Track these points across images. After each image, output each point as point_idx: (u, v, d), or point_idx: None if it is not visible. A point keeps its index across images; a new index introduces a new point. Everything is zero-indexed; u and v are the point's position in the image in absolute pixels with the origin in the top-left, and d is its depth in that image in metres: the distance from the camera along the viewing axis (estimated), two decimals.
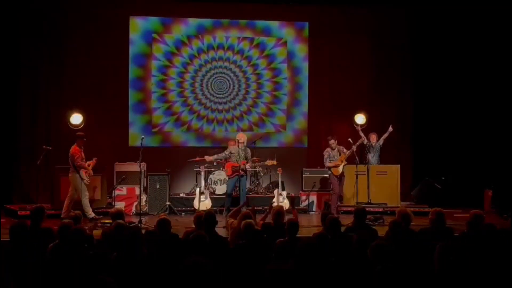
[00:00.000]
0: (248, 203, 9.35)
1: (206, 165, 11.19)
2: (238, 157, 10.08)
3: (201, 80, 12.39)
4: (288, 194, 10.71)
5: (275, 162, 10.53)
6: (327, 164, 10.40)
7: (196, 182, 11.24)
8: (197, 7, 12.14)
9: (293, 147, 12.66)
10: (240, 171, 9.97)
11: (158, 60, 12.22)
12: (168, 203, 10.72)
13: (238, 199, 9.99)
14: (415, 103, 12.60)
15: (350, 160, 10.55)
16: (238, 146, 10.11)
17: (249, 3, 12.23)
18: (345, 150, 10.41)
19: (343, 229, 5.97)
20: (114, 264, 4.48)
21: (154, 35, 12.21)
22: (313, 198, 11.22)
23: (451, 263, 4.21)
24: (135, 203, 10.57)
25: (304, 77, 12.62)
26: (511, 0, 10.38)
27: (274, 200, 10.45)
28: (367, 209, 7.23)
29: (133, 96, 12.12)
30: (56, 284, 4.43)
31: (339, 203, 10.64)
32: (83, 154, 9.42)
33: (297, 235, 5.46)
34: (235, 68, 12.48)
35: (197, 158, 11.26)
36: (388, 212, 10.27)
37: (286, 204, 9.88)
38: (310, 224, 9.21)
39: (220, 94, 12.46)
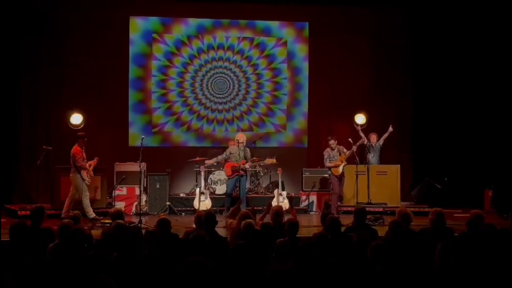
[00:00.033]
0: (241, 203, 9.41)
1: (206, 165, 11.19)
2: (238, 157, 10.07)
3: (201, 80, 12.39)
4: (288, 194, 10.72)
5: (274, 161, 10.52)
6: (327, 164, 10.40)
7: (196, 182, 11.24)
8: (197, 7, 12.14)
9: (293, 147, 12.67)
10: (240, 171, 9.97)
11: (158, 60, 12.22)
12: (168, 203, 10.72)
13: (238, 199, 10.00)
14: (415, 103, 12.59)
15: (350, 160, 10.55)
16: (238, 146, 10.10)
17: (249, 3, 12.23)
18: (345, 150, 10.40)
19: (343, 229, 5.97)
20: (114, 264, 4.48)
21: (154, 35, 12.21)
22: (313, 198, 11.23)
23: (451, 263, 4.21)
24: (135, 203, 10.57)
25: (304, 77, 12.62)
26: (511, 0, 10.38)
27: (274, 200, 10.45)
28: (367, 209, 7.23)
29: (133, 96, 12.12)
30: (56, 284, 4.43)
31: (339, 203, 10.64)
32: (84, 155, 9.41)
33: (297, 235, 5.46)
34: (235, 68, 12.48)
35: (197, 158, 11.27)
36: (388, 212, 10.27)
37: (286, 204, 9.88)
38: (310, 224, 9.21)
39: (220, 94, 12.47)
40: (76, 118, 11.17)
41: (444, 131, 12.15)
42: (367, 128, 11.64)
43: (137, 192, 10.47)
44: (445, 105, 12.18)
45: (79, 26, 11.59)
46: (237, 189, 10.20)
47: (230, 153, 10.24)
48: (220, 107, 12.47)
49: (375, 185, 10.81)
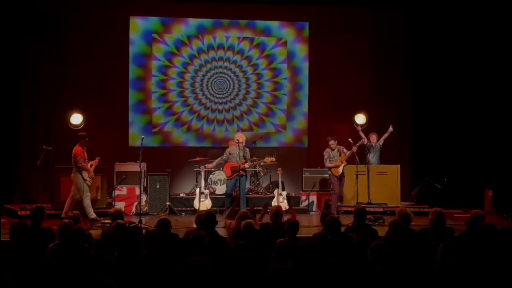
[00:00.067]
0: (238, 203, 9.40)
1: (206, 165, 11.20)
2: (237, 157, 10.07)
3: (201, 80, 12.39)
4: (288, 194, 10.72)
5: (273, 159, 10.51)
6: (327, 164, 10.39)
7: (196, 182, 11.23)
8: (197, 7, 12.14)
9: (293, 147, 12.67)
10: (240, 171, 9.96)
11: (158, 60, 12.22)
12: (168, 203, 10.72)
13: (238, 199, 10.01)
14: (415, 103, 12.59)
15: (350, 160, 10.55)
16: (239, 146, 10.09)
17: (249, 3, 12.23)
18: (345, 150, 10.40)
19: (343, 229, 5.97)
20: (114, 264, 4.48)
21: (154, 35, 12.21)
22: (313, 198, 11.22)
23: (452, 263, 4.21)
24: (135, 203, 10.56)
25: (304, 77, 12.62)
26: (511, 0, 10.38)
27: (274, 200, 10.46)
28: (367, 209, 7.23)
29: (133, 96, 12.12)
30: (56, 284, 4.43)
31: (339, 203, 10.63)
32: (85, 155, 9.40)
33: (297, 235, 5.46)
34: (235, 68, 12.48)
35: (197, 158, 11.28)
36: (388, 212, 10.27)
37: (285, 204, 9.88)
38: (310, 224, 9.21)
39: (220, 94, 12.47)
40: (76, 118, 11.16)
41: (444, 131, 12.15)
42: (367, 128, 11.64)
43: (137, 192, 10.46)
44: (445, 105, 12.18)
45: (79, 26, 11.59)
46: (237, 189, 10.20)
47: (230, 154, 10.24)
48: (220, 107, 12.47)
49: (375, 185, 10.82)
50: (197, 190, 10.57)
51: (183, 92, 12.34)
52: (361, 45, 12.44)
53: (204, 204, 10.32)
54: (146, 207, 10.60)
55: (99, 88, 11.73)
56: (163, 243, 5.25)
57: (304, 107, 12.62)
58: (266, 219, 6.78)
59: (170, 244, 5.31)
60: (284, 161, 11.40)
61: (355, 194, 10.57)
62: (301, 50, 12.63)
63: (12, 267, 4.60)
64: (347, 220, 7.59)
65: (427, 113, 12.39)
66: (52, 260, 4.77)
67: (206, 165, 10.76)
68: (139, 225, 8.50)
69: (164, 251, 4.95)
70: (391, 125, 11.25)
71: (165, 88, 12.27)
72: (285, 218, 6.47)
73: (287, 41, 12.61)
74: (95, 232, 6.73)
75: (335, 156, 10.37)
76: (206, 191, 10.58)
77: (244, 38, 12.50)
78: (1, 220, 8.52)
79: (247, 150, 10.32)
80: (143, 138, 9.53)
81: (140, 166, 9.73)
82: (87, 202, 9.27)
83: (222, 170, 10.75)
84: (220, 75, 12.45)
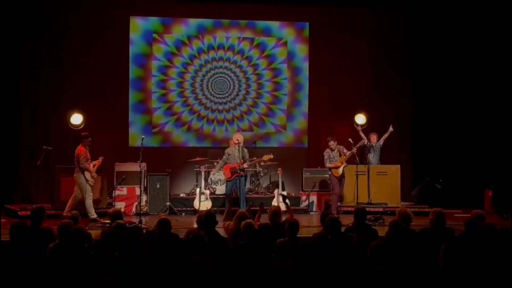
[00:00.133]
0: (232, 204, 9.45)
1: (206, 165, 11.21)
2: (236, 158, 10.06)
3: (202, 80, 12.39)
4: (288, 194, 10.72)
5: (271, 156, 10.49)
6: (327, 164, 10.39)
7: (196, 182, 11.24)
8: (197, 7, 12.13)
9: (293, 147, 12.66)
10: (239, 171, 9.96)
11: (159, 60, 12.22)
12: (168, 203, 10.71)
13: (238, 200, 10.00)
14: (415, 103, 12.59)
15: (350, 161, 10.54)
16: (239, 146, 10.08)
17: (249, 3, 12.22)
18: (345, 151, 10.39)
19: (343, 229, 5.97)
20: (114, 264, 4.48)
21: (154, 35, 12.21)
22: (313, 198, 11.21)
23: (454, 263, 4.21)
24: (135, 203, 10.56)
25: (304, 77, 12.62)
26: (511, 0, 10.38)
27: (274, 200, 10.46)
28: (367, 209, 7.24)
29: (133, 96, 12.12)
30: (56, 284, 4.43)
31: (339, 203, 10.63)
32: (88, 155, 9.39)
33: (297, 235, 5.46)
34: (236, 68, 12.48)
35: (198, 159, 11.28)
36: (388, 212, 10.27)
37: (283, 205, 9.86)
38: (310, 224, 9.20)
39: (221, 94, 12.46)
40: (76, 118, 11.15)
41: (444, 131, 12.15)
42: (367, 128, 11.64)
43: (138, 192, 10.45)
44: (445, 105, 12.18)
45: (79, 26, 11.59)
46: (236, 190, 10.18)
47: (229, 155, 10.22)
48: (220, 107, 12.47)
49: (375, 185, 10.82)
50: (197, 190, 10.57)
51: (183, 92, 12.34)
52: (361, 45, 12.44)
53: (204, 204, 10.33)
54: (146, 207, 10.60)
55: (99, 88, 11.73)
56: (163, 243, 5.25)
57: (304, 107, 12.62)
58: (264, 219, 6.77)
59: (170, 244, 5.31)
60: (284, 161, 11.40)
61: (355, 194, 10.55)
62: (301, 50, 12.63)
63: (12, 267, 4.60)
64: (347, 220, 7.59)
65: (427, 113, 12.39)
66: (52, 260, 4.77)
67: (212, 170, 10.79)
68: (139, 225, 8.49)
69: (164, 251, 4.95)
70: (391, 125, 11.25)
71: (165, 88, 12.26)
72: (283, 218, 6.48)
73: (287, 41, 12.61)
74: (95, 232, 6.74)
75: (335, 157, 10.36)
76: (206, 191, 10.59)
77: (244, 38, 12.50)
78: (1, 220, 8.52)
79: (246, 150, 10.31)
80: (143, 138, 9.53)
81: (140, 166, 9.73)
82: (89, 202, 9.27)
83: (221, 170, 10.74)
84: (220, 75, 12.45)
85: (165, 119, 12.26)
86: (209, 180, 11.28)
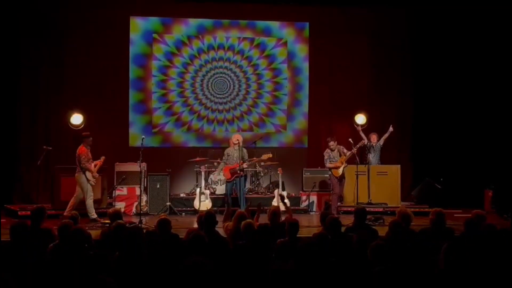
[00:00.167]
0: (230, 205, 9.43)
1: (206, 165, 11.21)
2: (235, 158, 10.06)
3: (202, 80, 12.39)
4: (288, 194, 10.71)
5: (270, 155, 10.47)
6: (328, 165, 10.39)
7: (197, 182, 11.24)
8: (197, 7, 12.13)
9: (293, 147, 12.66)
10: (239, 171, 9.95)
11: (159, 60, 12.22)
12: (168, 203, 10.71)
13: (238, 200, 10.00)
14: (415, 103, 12.59)
15: (350, 161, 10.54)
16: (238, 146, 10.08)
17: (249, 3, 12.22)
18: (345, 151, 10.39)
19: (343, 229, 5.98)
20: (114, 264, 4.48)
21: (155, 35, 12.20)
22: (313, 198, 11.21)
23: (455, 263, 4.21)
24: (136, 203, 10.56)
25: (304, 77, 12.62)
26: (511, 0, 10.38)
27: (275, 200, 10.46)
28: (367, 209, 7.24)
29: (133, 96, 12.12)
30: (56, 284, 4.43)
31: (339, 203, 10.63)
32: (90, 155, 9.39)
33: (297, 235, 5.46)
34: (236, 68, 12.48)
35: (198, 159, 11.28)
36: (388, 212, 10.27)
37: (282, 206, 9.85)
38: (310, 224, 9.20)
39: (221, 94, 12.46)
40: (76, 118, 11.15)
41: (444, 131, 12.15)
42: (367, 128, 11.64)
43: (138, 192, 10.45)
44: (445, 105, 12.18)
45: (79, 26, 11.59)
46: (236, 189, 10.18)
47: (228, 155, 10.22)
48: (221, 107, 12.47)
49: (375, 185, 10.82)
50: (197, 190, 10.57)
51: (183, 92, 12.33)
52: (361, 45, 12.44)
53: (204, 204, 10.32)
54: (146, 207, 10.60)
55: (99, 88, 11.73)
56: (163, 243, 5.25)
57: (304, 107, 12.62)
58: (263, 219, 6.77)
59: (170, 244, 5.31)
60: (284, 161, 11.40)
61: (355, 194, 10.55)
62: (301, 50, 12.63)
63: (12, 267, 4.60)
64: (347, 220, 7.59)
65: (427, 113, 12.39)
66: (52, 260, 4.77)
67: (214, 173, 10.76)
68: (139, 225, 8.49)
69: (164, 251, 4.95)
70: (391, 125, 11.25)
71: (165, 88, 12.26)
72: (283, 218, 6.48)
73: (287, 41, 12.61)
74: (95, 232, 6.74)
75: (335, 157, 10.36)
76: (206, 191, 10.59)
77: (244, 38, 12.50)
78: (1, 220, 8.52)
79: (245, 150, 10.30)
80: (143, 138, 9.54)
81: (140, 166, 9.73)
82: (90, 202, 9.27)
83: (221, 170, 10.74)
84: (220, 75, 12.45)
85: (165, 119, 12.26)
86: (209, 180, 11.28)
